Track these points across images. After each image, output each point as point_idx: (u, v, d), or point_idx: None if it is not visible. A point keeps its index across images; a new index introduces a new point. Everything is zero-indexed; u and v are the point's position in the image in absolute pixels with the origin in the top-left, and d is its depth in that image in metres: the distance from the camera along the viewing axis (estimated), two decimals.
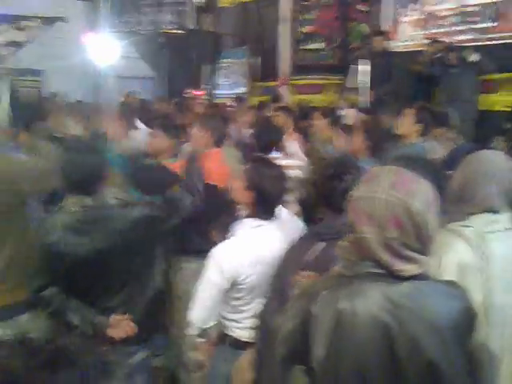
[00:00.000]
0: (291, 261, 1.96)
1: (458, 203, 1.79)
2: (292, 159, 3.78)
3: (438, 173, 1.33)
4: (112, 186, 3.24)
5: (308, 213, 2.93)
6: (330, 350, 1.22)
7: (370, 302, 1.20)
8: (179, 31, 10.16)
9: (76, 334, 2.02)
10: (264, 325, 1.91)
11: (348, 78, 6.26)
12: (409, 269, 1.21)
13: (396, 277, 1.21)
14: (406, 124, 3.66)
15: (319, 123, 4.89)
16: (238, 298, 2.22)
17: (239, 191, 2.26)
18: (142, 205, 2.37)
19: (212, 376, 2.36)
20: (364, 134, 3.61)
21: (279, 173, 2.27)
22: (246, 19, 10.06)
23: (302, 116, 5.58)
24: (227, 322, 2.28)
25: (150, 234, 2.29)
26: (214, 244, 2.25)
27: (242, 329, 2.24)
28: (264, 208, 2.23)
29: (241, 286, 2.17)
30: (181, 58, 9.84)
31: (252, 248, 2.18)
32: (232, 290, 2.19)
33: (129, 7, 10.51)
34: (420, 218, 1.18)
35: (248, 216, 2.25)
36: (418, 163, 1.32)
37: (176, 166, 3.06)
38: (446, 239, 1.71)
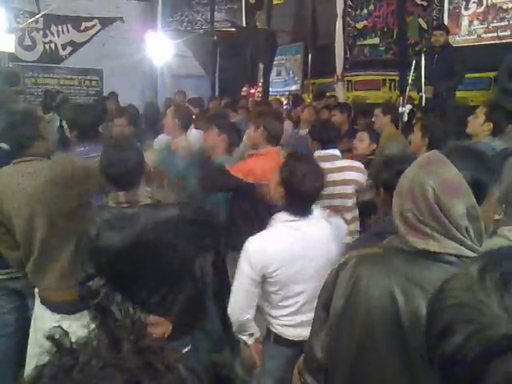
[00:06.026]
0: None
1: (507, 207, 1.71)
2: (353, 161, 3.70)
3: (481, 166, 1.32)
4: (160, 184, 3.22)
5: (372, 213, 2.85)
6: (345, 308, 1.35)
7: (384, 272, 1.30)
8: (231, 29, 10.21)
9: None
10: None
11: (408, 73, 6.08)
12: (420, 242, 1.25)
13: (418, 254, 1.26)
14: (475, 123, 3.48)
15: (380, 120, 4.79)
16: (274, 293, 2.23)
17: (273, 186, 2.27)
18: (174, 205, 2.34)
19: (260, 373, 2.38)
20: (422, 132, 3.51)
21: (313, 169, 2.21)
22: (300, 15, 10.00)
23: (361, 113, 5.50)
24: (269, 318, 2.31)
25: (181, 234, 2.23)
26: None
27: (283, 326, 2.27)
28: (296, 204, 2.20)
29: (272, 280, 2.18)
30: (233, 56, 9.88)
31: (282, 242, 2.18)
32: (265, 283, 2.21)
33: (183, 6, 10.66)
34: (434, 197, 1.21)
35: (281, 211, 2.24)
36: (459, 152, 1.29)
37: (235, 168, 3.05)
38: (492, 242, 1.65)
